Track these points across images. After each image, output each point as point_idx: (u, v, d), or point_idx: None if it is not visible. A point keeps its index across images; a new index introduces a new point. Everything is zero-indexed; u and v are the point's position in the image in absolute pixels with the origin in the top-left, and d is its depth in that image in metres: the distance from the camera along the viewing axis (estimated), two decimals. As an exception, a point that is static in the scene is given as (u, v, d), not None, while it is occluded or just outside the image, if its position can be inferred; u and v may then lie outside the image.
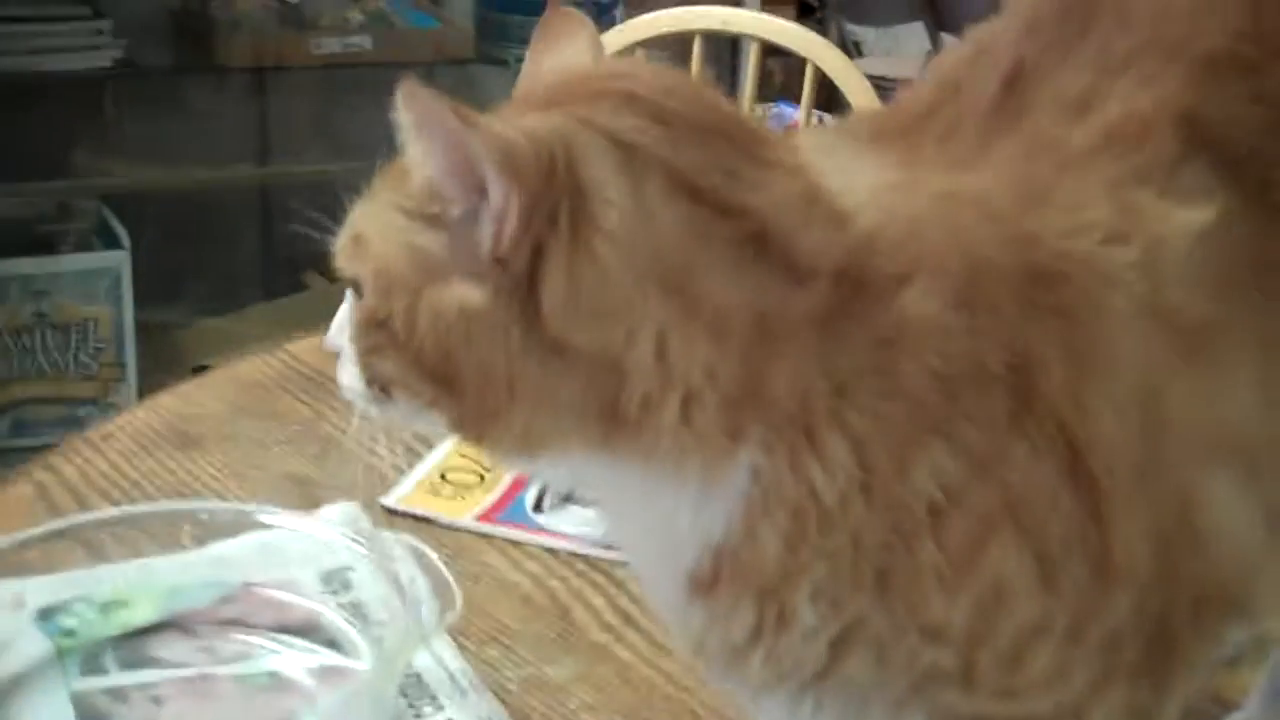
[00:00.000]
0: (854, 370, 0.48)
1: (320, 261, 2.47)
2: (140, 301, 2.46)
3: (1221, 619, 0.53)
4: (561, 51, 0.58)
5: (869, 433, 0.48)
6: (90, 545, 0.83)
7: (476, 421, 0.53)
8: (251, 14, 2.56)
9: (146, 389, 2.48)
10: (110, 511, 0.84)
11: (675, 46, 1.73)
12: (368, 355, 0.57)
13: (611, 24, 2.48)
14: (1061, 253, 0.50)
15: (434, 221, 0.53)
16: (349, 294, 0.61)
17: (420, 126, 0.52)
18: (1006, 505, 0.49)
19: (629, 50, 1.72)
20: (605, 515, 0.62)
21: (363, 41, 2.55)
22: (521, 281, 0.50)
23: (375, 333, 0.56)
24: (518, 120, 0.52)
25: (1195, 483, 0.51)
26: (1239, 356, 0.52)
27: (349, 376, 0.60)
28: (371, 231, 0.57)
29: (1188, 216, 0.51)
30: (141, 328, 2.48)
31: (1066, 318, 0.49)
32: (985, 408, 0.48)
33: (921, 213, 0.51)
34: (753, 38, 1.72)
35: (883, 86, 4.54)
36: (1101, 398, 0.49)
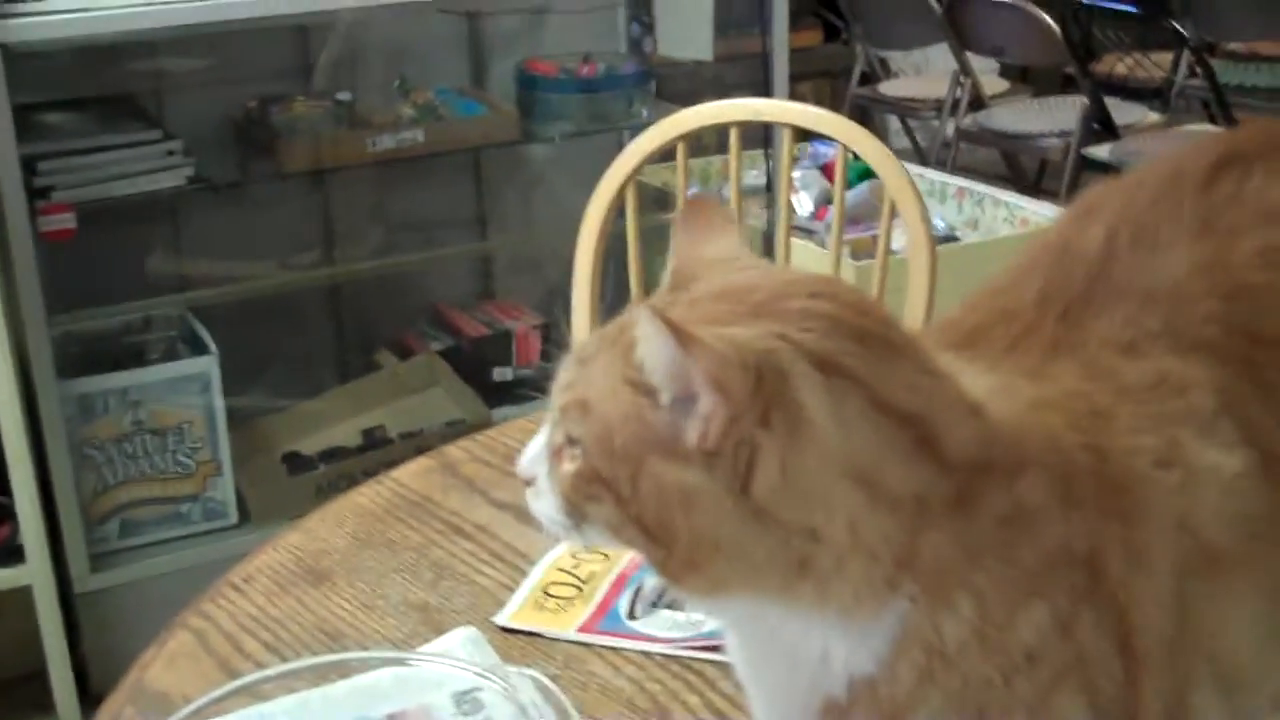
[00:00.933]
0: (981, 541, 0.60)
1: (388, 342, 2.64)
2: (229, 394, 2.62)
3: None
4: (712, 241, 0.68)
5: (989, 591, 0.60)
6: (250, 690, 0.97)
7: (679, 568, 0.63)
8: (308, 117, 2.71)
9: (241, 477, 2.64)
10: (278, 669, 0.97)
11: (711, 136, 1.85)
12: (583, 501, 0.64)
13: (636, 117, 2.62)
14: (1124, 467, 0.62)
15: (656, 399, 0.61)
16: (545, 427, 0.68)
17: (645, 339, 0.61)
18: (1079, 660, 0.61)
19: (672, 143, 1.85)
20: (742, 643, 0.69)
21: (415, 135, 2.69)
22: (738, 468, 0.60)
23: (594, 485, 0.63)
24: (722, 331, 0.61)
25: (1192, 679, 0.63)
26: (1245, 592, 0.64)
27: (545, 507, 0.67)
28: (596, 398, 0.63)
29: (1221, 459, 0.63)
30: (231, 419, 2.64)
31: (1126, 521, 0.61)
32: (1071, 581, 0.60)
33: (1022, 414, 0.62)
34: (784, 125, 1.84)
35: (913, 107, 4.61)
36: (1147, 590, 0.61)
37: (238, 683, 0.94)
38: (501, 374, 2.94)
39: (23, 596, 2.33)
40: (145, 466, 2.56)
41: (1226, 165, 0.71)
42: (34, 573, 2.32)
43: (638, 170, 1.89)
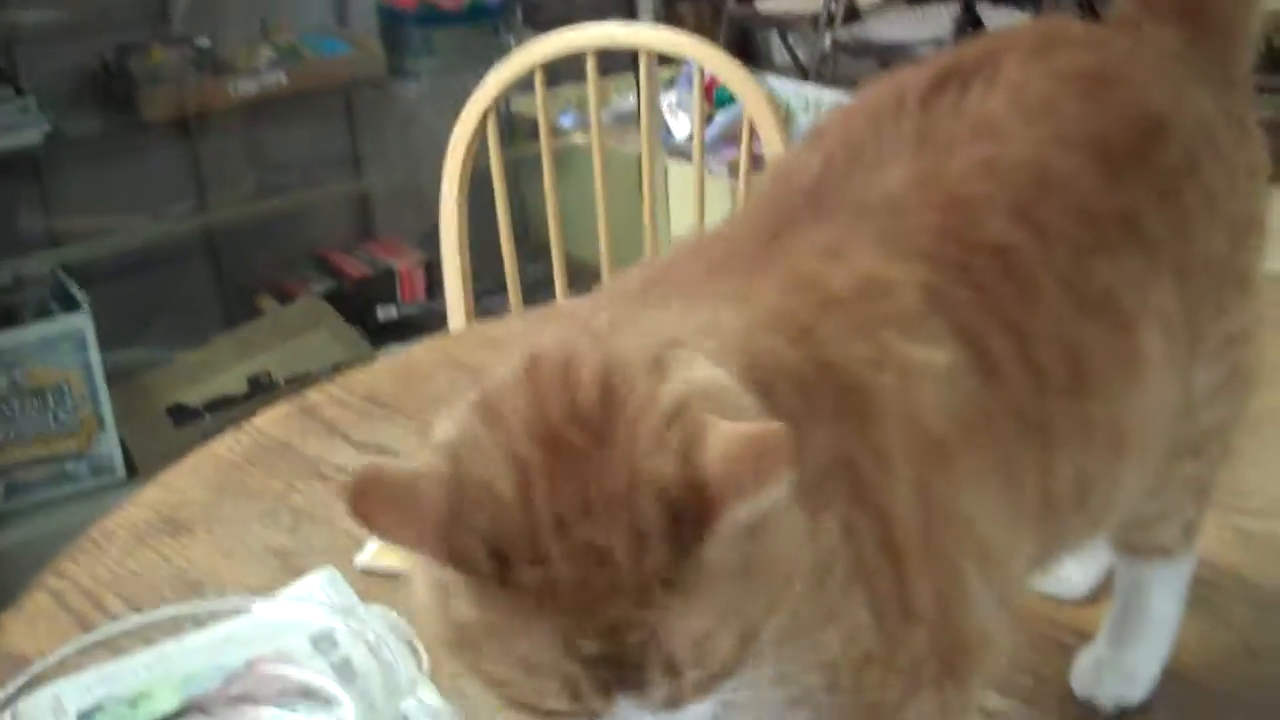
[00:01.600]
0: None
1: (269, 287, 2.61)
2: (108, 350, 2.59)
3: (979, 652, 0.68)
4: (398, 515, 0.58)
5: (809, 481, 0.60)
6: (108, 644, 0.97)
7: None
8: (168, 64, 2.66)
9: (127, 432, 2.61)
10: (130, 621, 0.97)
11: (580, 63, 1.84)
12: None
13: (505, 48, 2.60)
14: (847, 375, 0.63)
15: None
16: None
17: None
18: (859, 566, 0.63)
19: (531, 72, 1.84)
20: None
21: (278, 77, 2.65)
22: None
23: None
24: None
25: (958, 563, 0.66)
26: (969, 476, 0.67)
27: None
28: None
29: (929, 355, 0.65)
30: (113, 376, 2.61)
31: (864, 425, 0.63)
32: (841, 489, 0.62)
33: (740, 346, 0.61)
34: (644, 49, 1.84)
35: (790, 22, 4.58)
36: (895, 488, 0.64)
37: (91, 637, 0.94)
38: (386, 313, 2.93)
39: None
40: (26, 428, 2.53)
41: (945, 81, 0.73)
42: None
43: (497, 101, 1.88)
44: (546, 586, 0.53)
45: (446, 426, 0.58)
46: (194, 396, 2.78)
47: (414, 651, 0.90)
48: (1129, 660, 0.90)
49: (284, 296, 2.98)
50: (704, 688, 0.56)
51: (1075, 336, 0.71)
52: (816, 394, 0.62)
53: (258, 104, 2.67)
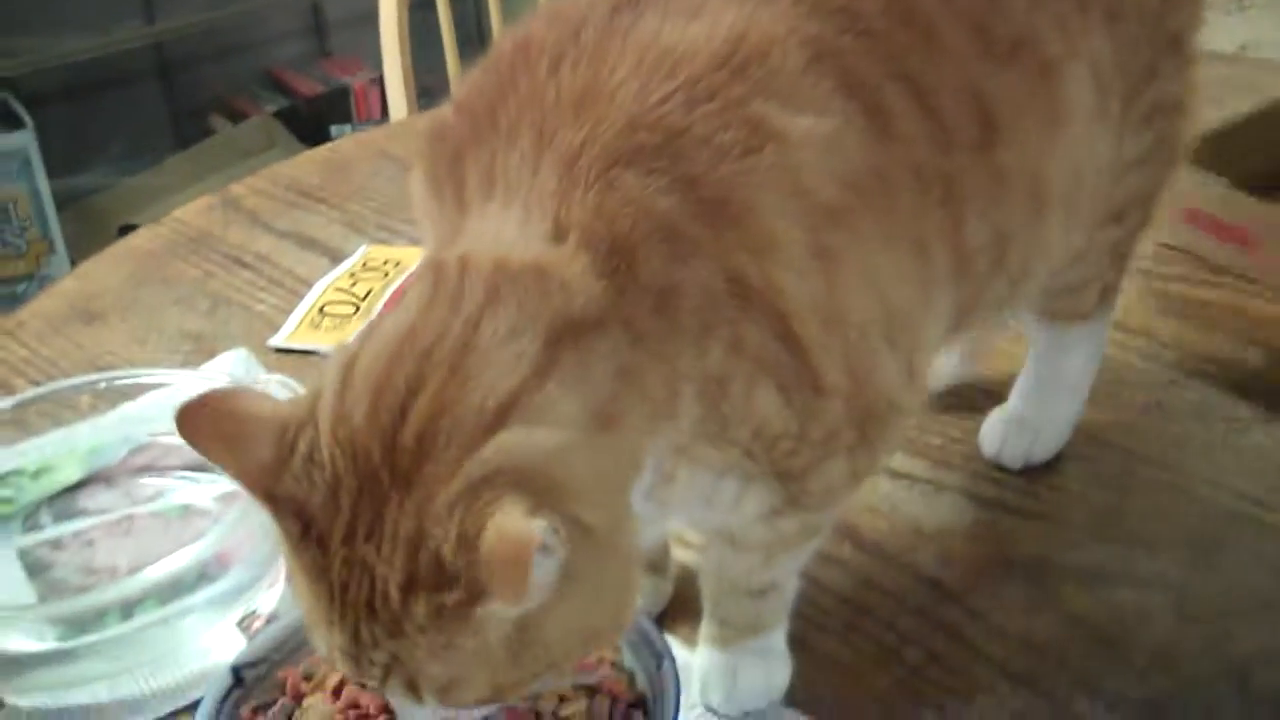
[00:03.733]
0: (652, 339, 0.58)
1: (222, 105, 2.55)
2: (57, 174, 2.54)
3: (893, 416, 0.67)
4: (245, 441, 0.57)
5: (682, 357, 0.59)
6: (17, 423, 0.96)
7: None
8: None
9: (78, 256, 2.58)
10: (28, 393, 0.96)
11: None
12: None
13: None
14: (714, 180, 0.59)
15: None
16: None
17: None
18: (758, 364, 0.61)
19: None
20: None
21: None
22: None
23: None
24: None
25: (863, 325, 0.64)
26: (869, 240, 0.64)
27: None
28: None
29: (812, 122, 0.61)
30: (64, 199, 2.57)
31: (741, 226, 0.60)
32: (725, 313, 0.60)
33: (588, 226, 0.58)
34: None
35: None
36: (785, 274, 0.61)
37: (10, 402, 0.93)
38: (340, 132, 2.88)
39: None
40: (-26, 249, 2.50)
41: None
42: None
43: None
44: (323, 575, 0.54)
45: (322, 373, 0.57)
46: (146, 218, 2.73)
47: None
48: (1039, 418, 0.89)
49: (235, 116, 2.92)
50: (452, 710, 0.58)
51: (984, 84, 0.68)
52: (685, 229, 0.59)
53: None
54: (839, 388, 0.64)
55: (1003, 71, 0.69)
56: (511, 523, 0.51)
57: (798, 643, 0.75)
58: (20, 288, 2.53)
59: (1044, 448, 0.89)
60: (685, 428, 0.61)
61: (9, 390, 1.07)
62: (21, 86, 2.60)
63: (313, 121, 2.89)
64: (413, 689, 0.55)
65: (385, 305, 1.13)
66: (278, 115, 2.90)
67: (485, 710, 0.59)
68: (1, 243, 2.50)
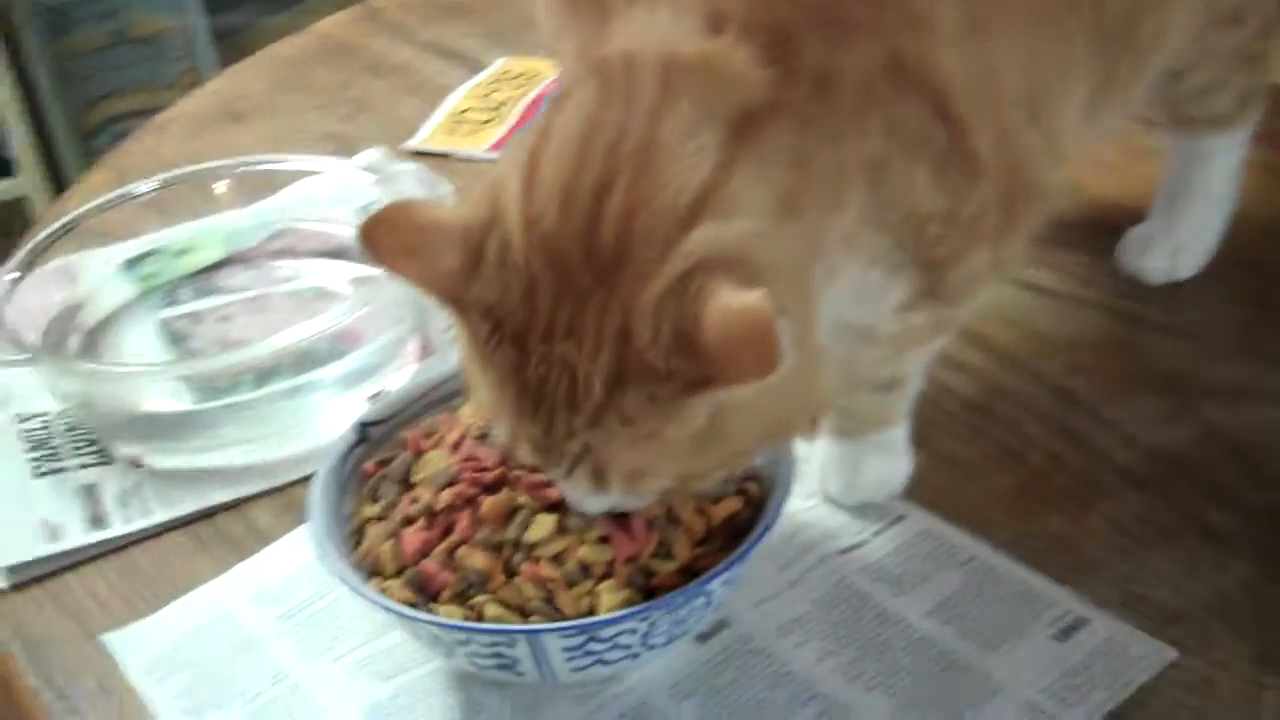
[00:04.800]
0: (821, 118, 0.57)
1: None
2: (209, 10, 2.57)
3: (1036, 199, 0.66)
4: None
5: (843, 137, 0.58)
6: (160, 209, 0.98)
7: None
8: None
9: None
10: (172, 172, 0.98)
11: None
12: None
13: None
14: None
15: None
16: None
17: None
18: (916, 140, 0.60)
19: None
20: None
21: None
22: None
23: None
24: None
25: (1012, 101, 0.63)
26: (1016, 15, 0.62)
27: None
28: None
29: None
30: (214, 34, 2.60)
31: (897, 5, 0.59)
32: (883, 92, 0.59)
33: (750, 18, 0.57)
34: None
35: None
36: (942, 49, 0.59)
37: (128, 188, 0.95)
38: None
39: (20, 208, 2.36)
40: (129, 78, 2.54)
41: None
42: (24, 186, 2.34)
43: None
44: (518, 371, 0.55)
45: (499, 171, 0.57)
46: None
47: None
48: (1180, 233, 0.86)
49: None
50: (634, 499, 0.59)
51: None
52: (843, 11, 0.58)
53: None
54: (989, 166, 0.62)
55: None
56: (737, 300, 0.51)
57: (920, 442, 0.74)
58: (172, 118, 2.59)
59: (1187, 263, 0.86)
60: (851, 216, 0.60)
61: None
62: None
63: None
64: (599, 478, 0.56)
65: (523, 114, 1.13)
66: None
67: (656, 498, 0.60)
68: (157, 73, 2.55)
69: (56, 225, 0.91)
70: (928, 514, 0.72)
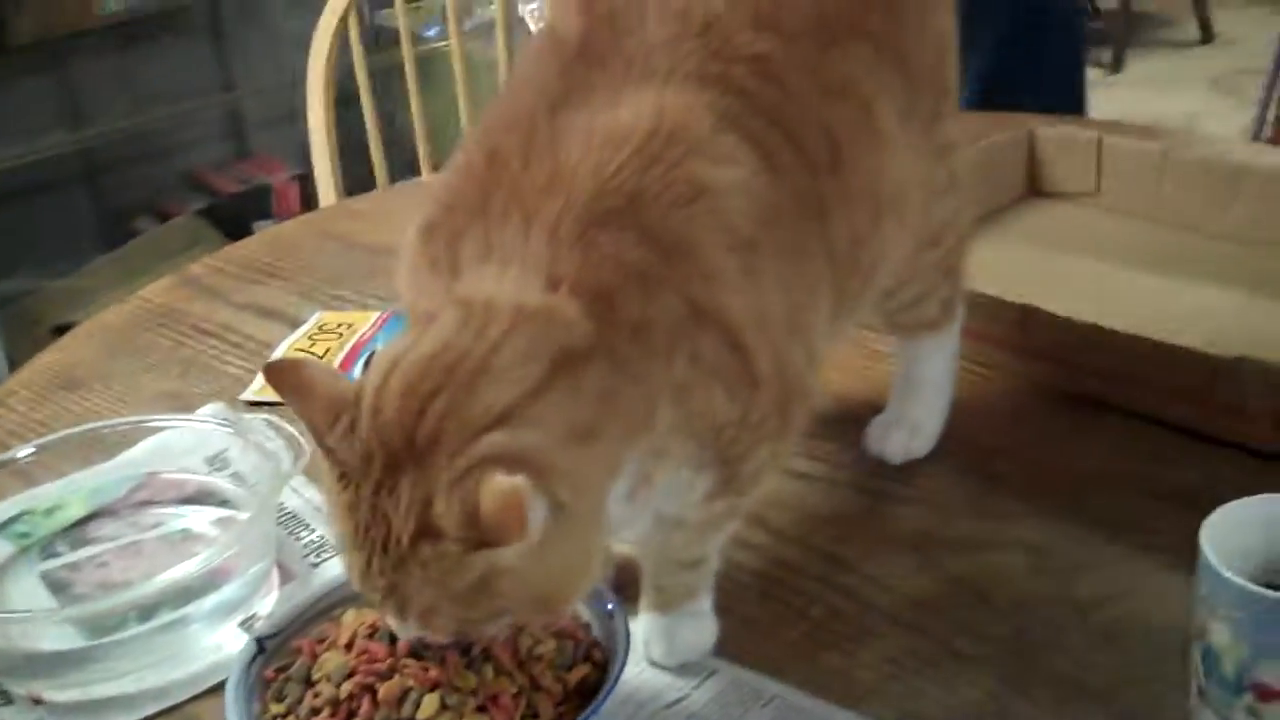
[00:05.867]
0: (630, 360, 0.73)
1: (148, 206, 2.70)
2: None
3: (802, 399, 0.85)
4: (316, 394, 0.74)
5: (656, 375, 0.75)
6: (23, 475, 1.08)
7: None
8: (32, -11, 2.70)
9: (16, 353, 2.68)
10: (33, 443, 1.09)
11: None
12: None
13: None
14: (665, 228, 0.76)
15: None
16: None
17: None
18: (713, 366, 0.78)
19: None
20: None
21: (145, -2, 2.70)
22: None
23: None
24: None
25: (779, 325, 0.81)
26: (776, 258, 0.81)
27: None
28: None
29: (726, 173, 0.78)
30: (-2, 302, 2.68)
31: (691, 262, 0.77)
32: (688, 331, 0.76)
33: (575, 277, 0.73)
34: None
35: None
36: (727, 295, 0.78)
37: (11, 454, 1.05)
38: (262, 227, 3.01)
39: None
40: (-88, 351, 2.59)
41: None
42: None
43: (350, 8, 1.98)
44: (353, 513, 0.71)
45: (375, 360, 0.74)
46: (79, 317, 2.84)
47: (296, 446, 1.02)
48: (912, 416, 1.05)
49: (162, 216, 3.05)
50: (426, 633, 0.73)
51: (828, 120, 0.85)
52: (651, 271, 0.75)
53: (124, 23, 2.72)
54: (768, 379, 0.80)
55: (838, 108, 0.86)
56: (501, 483, 0.66)
57: (722, 608, 0.89)
58: (-41, 386, 2.63)
59: (920, 442, 1.05)
60: (661, 432, 0.77)
61: (7, 450, 1.19)
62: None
63: (235, 219, 3.03)
64: (401, 610, 0.71)
65: (344, 360, 1.27)
66: (201, 214, 3.04)
67: (455, 638, 0.75)
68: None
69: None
70: (735, 667, 0.87)
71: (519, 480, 0.66)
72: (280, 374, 0.73)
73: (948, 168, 0.99)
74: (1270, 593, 0.71)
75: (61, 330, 2.77)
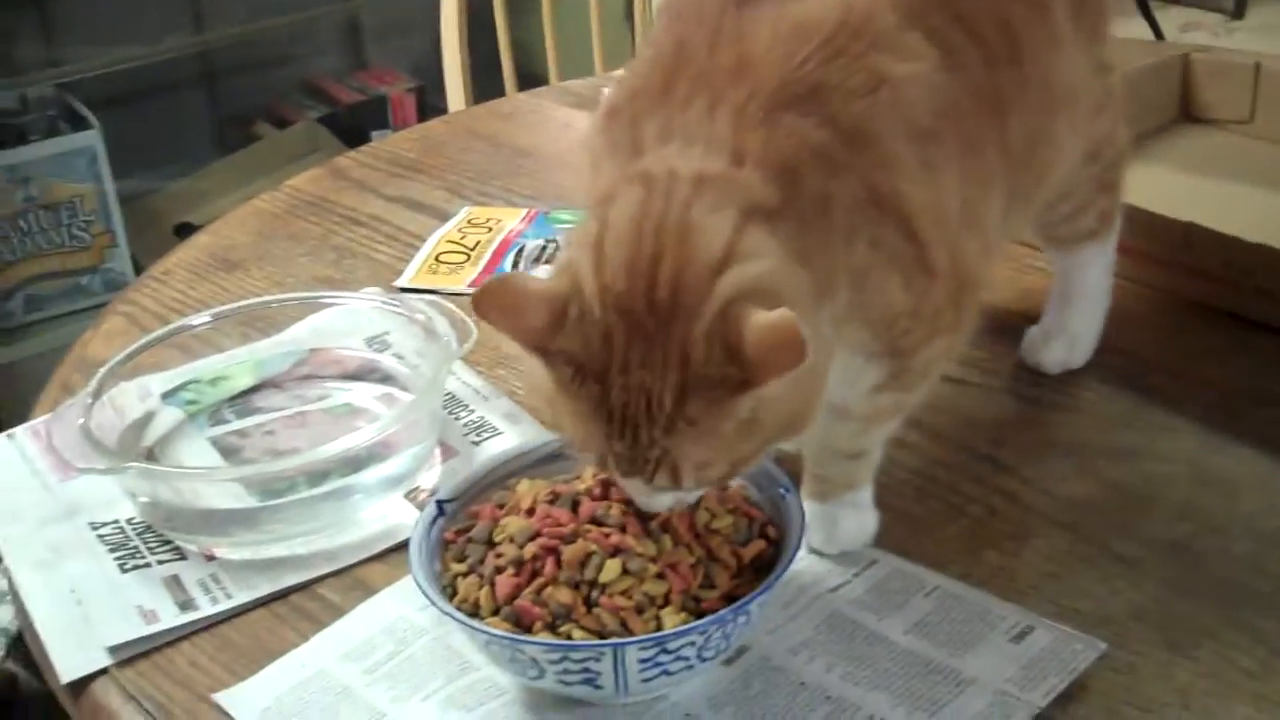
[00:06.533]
0: (815, 226, 0.75)
1: (266, 112, 2.75)
2: (117, 174, 2.70)
3: (975, 292, 0.86)
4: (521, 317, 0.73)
5: (837, 246, 0.77)
6: (185, 349, 1.12)
7: None
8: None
9: (137, 251, 2.74)
10: (202, 315, 1.12)
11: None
12: None
13: None
14: (851, 114, 0.77)
15: None
16: None
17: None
18: (891, 254, 0.79)
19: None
20: None
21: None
22: None
23: None
24: None
25: (955, 218, 0.82)
26: (953, 152, 0.82)
27: None
28: None
29: (911, 67, 0.80)
30: (121, 199, 2.73)
31: (871, 150, 0.78)
32: (866, 215, 0.78)
33: (768, 135, 0.74)
34: None
35: None
36: (906, 183, 0.79)
37: (164, 330, 1.08)
38: (380, 136, 3.04)
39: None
40: (42, 242, 2.65)
41: None
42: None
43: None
44: (602, 402, 0.72)
45: (571, 250, 0.75)
46: (199, 217, 2.89)
47: (460, 327, 1.04)
48: (1069, 327, 1.06)
49: (281, 123, 3.08)
50: (698, 488, 0.77)
51: (1008, 15, 0.86)
52: (834, 154, 0.77)
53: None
54: (943, 271, 0.81)
55: (1016, 4, 0.87)
56: (766, 317, 0.68)
57: (881, 503, 0.91)
58: (85, 279, 2.69)
59: (1078, 353, 1.05)
60: (840, 307, 0.78)
61: (168, 323, 1.22)
62: (86, 90, 2.76)
63: (352, 128, 3.06)
64: (675, 475, 0.73)
65: (495, 253, 1.29)
66: (319, 121, 3.07)
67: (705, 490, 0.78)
68: (70, 236, 2.66)
69: (121, 355, 1.04)
70: (895, 557, 0.89)
71: (785, 312, 0.68)
72: (489, 297, 0.72)
73: (1104, 85, 1.00)
74: None
75: (181, 230, 2.84)
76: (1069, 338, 1.06)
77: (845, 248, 0.77)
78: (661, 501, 0.77)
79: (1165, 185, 1.27)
